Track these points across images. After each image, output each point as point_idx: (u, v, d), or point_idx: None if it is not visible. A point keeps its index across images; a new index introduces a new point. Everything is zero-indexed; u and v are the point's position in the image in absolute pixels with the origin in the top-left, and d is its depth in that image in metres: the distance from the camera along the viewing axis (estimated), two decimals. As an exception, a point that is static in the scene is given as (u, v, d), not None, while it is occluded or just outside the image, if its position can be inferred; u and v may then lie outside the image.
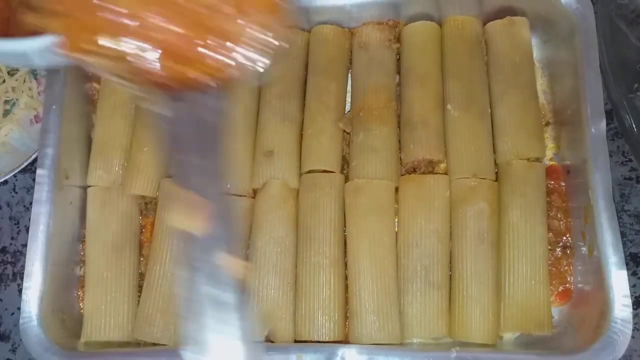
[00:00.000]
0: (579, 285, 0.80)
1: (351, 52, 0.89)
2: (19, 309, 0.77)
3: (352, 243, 0.79)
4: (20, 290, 0.86)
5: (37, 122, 0.93)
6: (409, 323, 0.77)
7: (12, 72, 0.94)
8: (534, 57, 0.88)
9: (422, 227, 0.79)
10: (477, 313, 0.75)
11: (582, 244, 0.79)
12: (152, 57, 0.46)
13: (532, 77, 0.85)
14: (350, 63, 0.89)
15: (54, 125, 0.81)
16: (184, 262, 0.47)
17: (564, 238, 0.82)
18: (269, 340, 0.78)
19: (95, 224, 0.82)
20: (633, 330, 0.71)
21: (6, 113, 0.93)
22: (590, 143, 0.77)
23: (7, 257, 0.90)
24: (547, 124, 0.88)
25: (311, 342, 0.76)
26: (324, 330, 0.76)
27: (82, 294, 0.83)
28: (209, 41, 0.46)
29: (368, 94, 0.84)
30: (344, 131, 0.85)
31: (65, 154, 0.82)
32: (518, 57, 0.84)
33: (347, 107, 0.88)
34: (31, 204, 0.79)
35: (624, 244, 0.76)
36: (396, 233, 0.81)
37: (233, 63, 0.47)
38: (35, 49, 0.48)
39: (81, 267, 0.85)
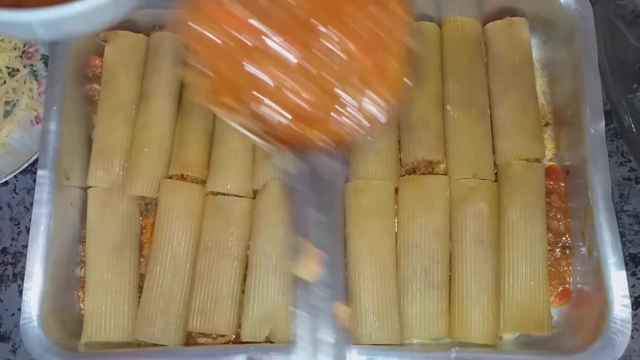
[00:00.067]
0: (579, 286, 0.80)
1: None
2: (19, 309, 0.77)
3: (352, 243, 0.79)
4: (20, 291, 0.86)
5: (37, 123, 0.93)
6: (408, 323, 0.77)
7: (12, 74, 0.94)
8: (534, 57, 0.88)
9: (422, 228, 0.79)
10: (477, 313, 0.76)
11: (581, 244, 0.79)
12: (282, 118, 0.51)
13: (532, 78, 0.86)
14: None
15: (55, 126, 0.82)
16: (302, 306, 0.52)
17: (564, 238, 0.82)
18: (269, 340, 0.78)
19: (96, 224, 0.83)
20: (632, 330, 0.71)
21: (7, 114, 0.93)
22: (589, 143, 0.77)
23: (7, 258, 0.90)
24: (547, 124, 0.88)
25: (311, 342, 0.76)
26: (324, 331, 0.76)
27: (82, 294, 0.84)
28: (336, 107, 0.51)
29: (368, 95, 0.84)
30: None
31: (66, 154, 0.82)
32: (517, 57, 0.85)
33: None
34: (32, 204, 0.80)
35: (623, 244, 0.76)
36: (396, 233, 0.81)
37: (355, 130, 0.52)
38: (39, 20, 0.49)
39: (81, 268, 0.85)
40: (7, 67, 0.94)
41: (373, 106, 0.52)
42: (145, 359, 0.76)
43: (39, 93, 0.94)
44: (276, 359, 0.73)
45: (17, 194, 0.93)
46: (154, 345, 0.77)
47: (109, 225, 0.82)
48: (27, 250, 0.78)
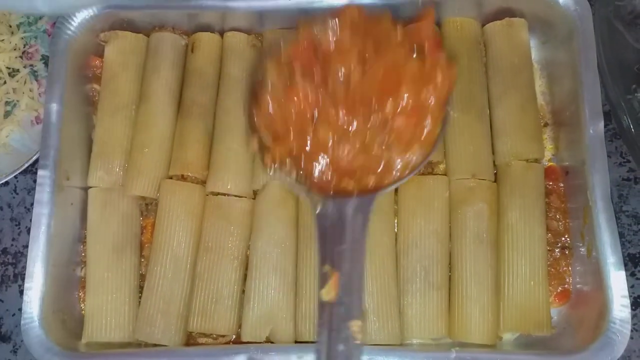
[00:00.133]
0: (578, 286, 0.80)
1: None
2: (20, 310, 0.77)
3: (352, 244, 0.80)
4: (21, 291, 0.86)
5: (37, 123, 0.93)
6: (408, 323, 0.77)
7: (13, 74, 0.94)
8: (533, 58, 0.88)
9: (421, 228, 0.79)
10: (477, 313, 0.76)
11: (580, 244, 0.79)
12: (327, 172, 0.61)
13: (531, 78, 0.86)
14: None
15: (55, 126, 0.82)
16: (322, 325, 0.60)
17: (563, 239, 0.82)
18: (269, 340, 0.78)
19: (96, 224, 0.83)
20: (631, 330, 0.71)
21: (7, 114, 0.93)
22: (588, 144, 0.77)
23: (8, 258, 0.90)
24: (546, 125, 0.88)
25: (312, 342, 0.76)
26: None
27: (83, 294, 0.84)
28: (379, 167, 0.61)
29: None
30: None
31: (66, 155, 0.83)
32: (517, 58, 0.85)
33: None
34: (32, 205, 0.80)
35: (622, 244, 0.77)
36: (396, 234, 0.81)
37: (389, 184, 0.62)
38: None
39: (82, 268, 0.85)
40: (7, 68, 0.94)
41: (409, 163, 0.62)
42: (145, 359, 0.76)
43: (39, 93, 0.94)
44: (277, 359, 0.73)
45: (17, 194, 0.93)
46: (155, 345, 0.78)
47: (110, 225, 0.82)
48: (27, 251, 0.78)
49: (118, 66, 0.88)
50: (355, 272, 0.61)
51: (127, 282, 0.81)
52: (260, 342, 0.77)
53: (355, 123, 0.60)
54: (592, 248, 0.76)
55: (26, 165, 0.87)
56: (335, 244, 0.61)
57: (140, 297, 0.81)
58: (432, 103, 0.62)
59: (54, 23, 0.87)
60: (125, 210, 0.83)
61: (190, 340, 0.81)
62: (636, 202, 0.87)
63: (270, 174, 0.67)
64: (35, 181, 0.80)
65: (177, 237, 0.80)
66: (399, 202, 0.82)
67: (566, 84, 0.84)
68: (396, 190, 0.82)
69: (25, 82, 0.94)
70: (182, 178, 0.83)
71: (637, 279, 0.85)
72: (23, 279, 0.79)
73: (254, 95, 0.67)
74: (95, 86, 0.90)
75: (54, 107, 0.82)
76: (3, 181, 0.88)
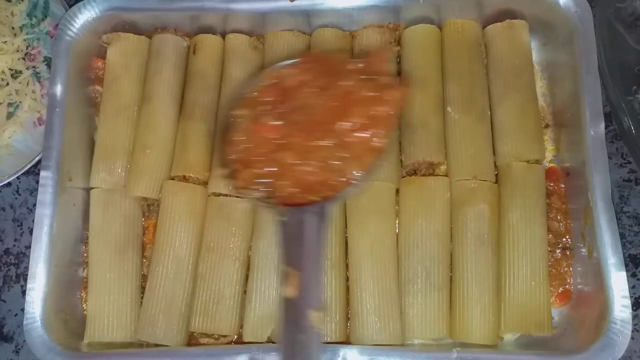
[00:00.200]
0: (579, 287, 0.81)
1: (352, 55, 0.90)
2: (22, 310, 0.77)
3: (353, 244, 0.80)
4: (23, 292, 0.86)
5: (40, 124, 0.93)
6: (410, 324, 0.77)
7: (15, 75, 0.94)
8: (534, 59, 0.88)
9: (422, 229, 0.80)
10: (478, 314, 0.76)
11: (581, 245, 0.80)
12: (289, 189, 0.67)
13: (532, 80, 0.86)
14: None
15: (57, 127, 0.82)
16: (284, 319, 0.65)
17: (564, 239, 0.83)
18: (270, 341, 0.78)
19: (98, 225, 0.83)
20: (632, 331, 0.71)
21: (10, 115, 0.93)
22: (589, 145, 0.77)
23: (10, 259, 0.91)
24: (547, 126, 0.88)
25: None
26: (325, 331, 0.77)
27: (85, 295, 0.84)
28: (334, 179, 0.68)
29: (369, 97, 0.85)
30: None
31: (69, 156, 0.83)
32: (518, 59, 0.85)
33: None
34: (34, 205, 0.80)
35: (623, 245, 0.77)
36: (397, 234, 0.81)
37: (344, 192, 0.68)
38: None
39: (84, 269, 0.86)
40: (10, 69, 0.94)
41: (359, 174, 0.68)
42: (147, 359, 0.76)
43: (42, 95, 0.94)
44: (278, 359, 0.73)
45: (20, 195, 0.93)
46: (157, 345, 0.78)
47: (112, 226, 0.82)
48: (30, 251, 0.78)
49: (120, 68, 0.88)
50: (313, 270, 0.66)
51: (129, 282, 0.81)
52: (261, 342, 0.78)
53: (316, 145, 0.67)
54: (593, 249, 0.76)
55: (29, 166, 0.88)
56: (296, 246, 0.67)
57: (142, 298, 0.81)
58: (381, 121, 0.68)
59: (57, 25, 0.87)
60: (127, 211, 0.84)
61: (192, 340, 0.81)
62: (637, 203, 0.87)
63: (239, 195, 0.74)
64: (37, 182, 0.81)
65: (179, 237, 0.80)
66: (400, 203, 0.82)
67: (567, 85, 0.84)
68: (397, 191, 0.83)
69: (27, 84, 0.95)
70: (184, 179, 0.83)
71: (638, 279, 0.85)
72: (25, 280, 0.79)
73: (225, 131, 0.74)
74: (98, 88, 0.91)
75: (57, 108, 0.83)
76: (5, 182, 0.88)
